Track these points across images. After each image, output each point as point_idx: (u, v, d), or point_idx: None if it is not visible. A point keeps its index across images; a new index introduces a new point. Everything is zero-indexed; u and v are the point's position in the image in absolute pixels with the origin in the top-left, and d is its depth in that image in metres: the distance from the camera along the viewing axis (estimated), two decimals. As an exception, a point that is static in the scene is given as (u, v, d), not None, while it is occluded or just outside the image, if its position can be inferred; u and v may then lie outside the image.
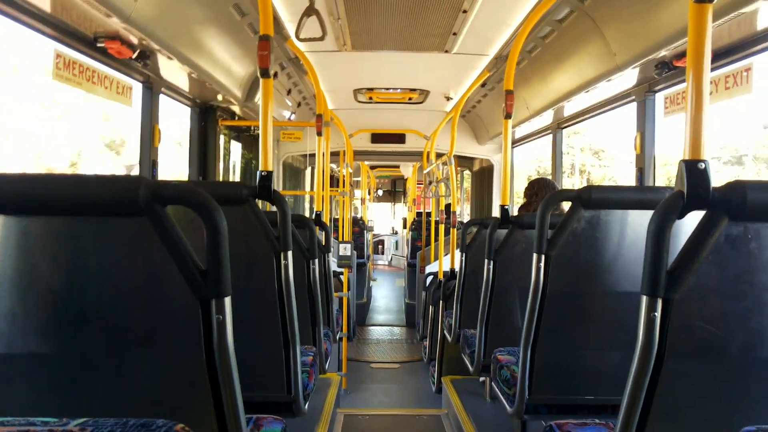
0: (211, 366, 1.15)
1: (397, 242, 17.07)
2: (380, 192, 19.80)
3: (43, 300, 1.16)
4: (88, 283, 1.18)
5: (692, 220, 1.16)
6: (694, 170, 1.16)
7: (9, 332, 1.16)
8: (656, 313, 1.15)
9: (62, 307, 1.17)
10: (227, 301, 1.13)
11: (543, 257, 2.02)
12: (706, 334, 1.19)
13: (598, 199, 1.93)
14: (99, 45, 2.87)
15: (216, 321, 1.12)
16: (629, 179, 3.76)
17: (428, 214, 8.61)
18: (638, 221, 1.96)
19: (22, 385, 1.22)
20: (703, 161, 1.17)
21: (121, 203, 1.08)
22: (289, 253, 2.00)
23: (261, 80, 2.16)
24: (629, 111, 3.83)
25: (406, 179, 15.96)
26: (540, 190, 3.87)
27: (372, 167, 13.92)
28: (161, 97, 3.70)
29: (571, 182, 31.05)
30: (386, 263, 17.31)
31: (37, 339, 1.18)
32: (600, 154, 33.65)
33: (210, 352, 1.14)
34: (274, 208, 2.01)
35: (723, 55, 2.80)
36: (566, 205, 3.32)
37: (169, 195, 1.09)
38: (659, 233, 1.13)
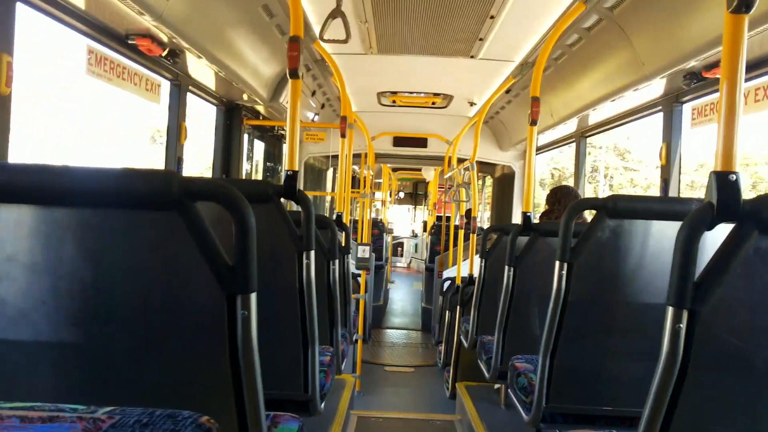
0: (235, 361, 1.15)
1: (416, 245, 17.05)
2: (401, 194, 19.78)
3: (71, 290, 1.18)
4: (116, 275, 1.20)
5: (717, 233, 1.15)
6: (724, 182, 1.15)
7: (38, 320, 1.18)
8: (682, 325, 1.13)
9: (90, 297, 1.19)
10: (253, 297, 1.14)
11: (566, 265, 2.00)
12: (731, 347, 1.18)
13: (623, 208, 1.92)
14: (130, 42, 2.93)
15: (241, 317, 1.13)
16: (657, 186, 3.71)
17: (448, 219, 8.59)
18: (663, 232, 1.94)
19: (50, 372, 1.24)
20: (734, 173, 1.16)
21: (154, 197, 1.09)
22: (312, 253, 2.02)
23: (290, 81, 2.18)
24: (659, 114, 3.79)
25: (428, 183, 15.95)
26: (563, 198, 3.84)
27: (394, 170, 13.93)
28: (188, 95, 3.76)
29: (592, 187, 29.98)
30: (405, 266, 17.29)
31: (65, 328, 1.20)
32: (626, 155, 31.34)
33: (234, 347, 1.15)
34: (298, 208, 2.02)
35: (754, 66, 2.76)
36: (587, 214, 3.30)
37: (200, 190, 1.10)
38: (688, 245, 1.12)
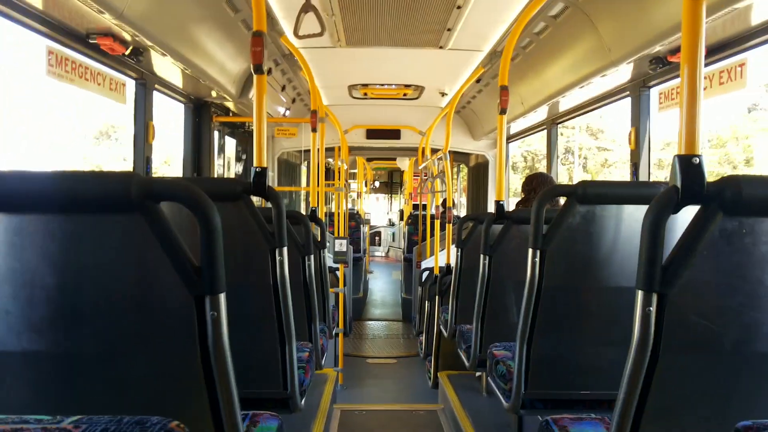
0: (206, 363, 1.14)
1: (393, 234, 17.08)
2: (377, 184, 19.77)
3: (36, 297, 1.15)
4: (82, 281, 1.17)
5: (686, 215, 1.17)
6: (688, 165, 1.16)
7: (2, 330, 1.15)
8: (651, 308, 1.15)
9: (55, 304, 1.17)
10: (222, 297, 1.12)
11: (538, 252, 2.02)
12: (701, 329, 1.20)
13: (593, 194, 1.94)
14: (91, 41, 2.86)
15: (210, 318, 1.11)
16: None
17: (425, 208, 8.61)
18: (633, 216, 1.96)
19: (16, 382, 1.21)
20: (698, 156, 1.17)
21: (113, 199, 1.07)
22: (284, 250, 2.00)
23: (254, 76, 2.15)
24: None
25: (403, 171, 15.96)
26: (538, 186, 3.88)
27: (368, 160, 13.91)
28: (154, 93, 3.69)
29: (565, 169, 29.51)
30: (383, 255, 17.31)
31: (30, 336, 1.17)
32: (598, 135, 30.64)
33: (205, 348, 1.13)
34: (270, 205, 2.00)
35: (717, 50, 2.80)
36: (562, 200, 3.33)
37: (162, 191, 1.08)
38: (654, 228, 1.13)
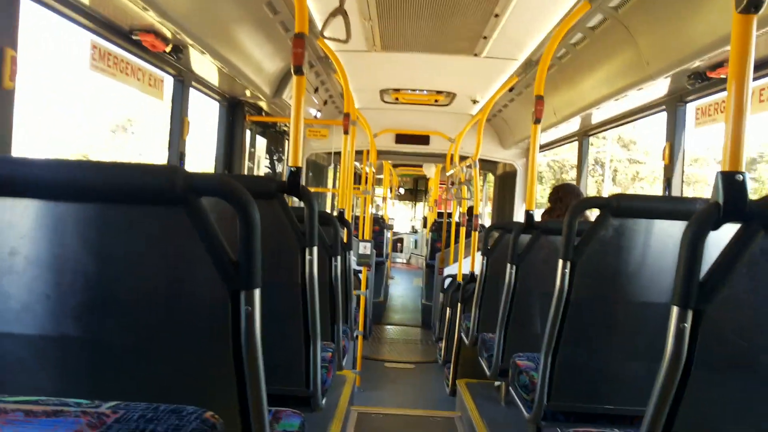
0: (238, 357, 1.15)
1: (416, 241, 17.03)
2: (402, 190, 19.75)
3: (76, 284, 1.18)
4: (120, 270, 1.20)
5: (721, 232, 1.15)
6: (731, 182, 1.15)
7: (42, 314, 1.18)
8: (686, 324, 1.13)
9: (94, 292, 1.19)
10: (257, 292, 1.14)
11: (569, 263, 2.01)
12: (736, 347, 1.18)
13: (626, 207, 1.92)
14: (134, 38, 2.93)
15: (245, 312, 1.13)
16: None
17: (449, 215, 8.58)
18: (666, 231, 1.94)
19: (54, 367, 1.24)
20: (741, 173, 1.16)
21: (159, 192, 1.09)
22: (315, 249, 2.02)
23: (294, 77, 2.18)
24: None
25: (428, 179, 15.92)
26: (565, 196, 3.84)
27: (395, 165, 13.92)
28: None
29: (593, 181, 28.20)
30: (404, 261, 17.29)
31: (68, 322, 1.20)
32: (630, 146, 29.09)
33: (237, 343, 1.15)
34: (301, 204, 2.03)
35: (760, 66, 2.75)
36: (588, 212, 3.30)
37: (205, 185, 1.10)
38: (693, 244, 1.12)
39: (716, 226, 1.13)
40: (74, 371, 1.25)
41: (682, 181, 3.63)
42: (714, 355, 1.17)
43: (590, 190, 26.01)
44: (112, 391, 1.21)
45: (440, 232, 9.07)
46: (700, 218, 1.13)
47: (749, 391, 1.21)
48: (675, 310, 1.14)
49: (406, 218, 21.09)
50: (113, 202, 1.15)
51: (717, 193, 1.15)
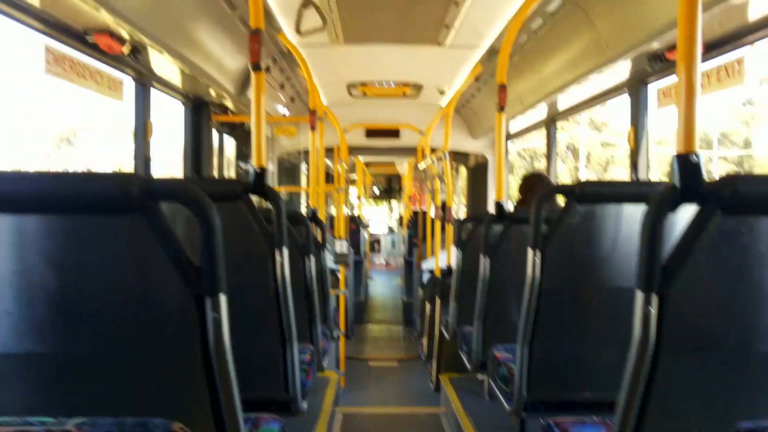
0: (208, 364, 1.13)
1: (393, 241, 17.04)
2: (376, 190, 19.75)
3: (37, 299, 1.15)
4: (82, 282, 1.17)
5: (687, 214, 1.16)
6: (686, 163, 1.15)
7: (3, 331, 1.15)
8: (651, 308, 1.14)
9: (56, 305, 1.16)
10: (223, 298, 1.11)
11: (538, 252, 2.01)
12: (702, 329, 1.19)
13: (592, 193, 1.93)
14: (89, 40, 2.85)
15: (212, 318, 1.11)
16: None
17: (425, 213, 8.60)
18: (633, 216, 1.96)
19: (18, 384, 1.21)
20: (696, 154, 1.16)
21: (113, 200, 1.06)
22: (285, 250, 1.99)
23: (252, 74, 2.15)
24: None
25: (402, 176, 15.93)
26: (535, 186, 3.86)
27: (367, 164, 13.91)
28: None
29: (566, 168, 27.67)
30: (383, 262, 17.30)
31: (31, 338, 1.17)
32: (602, 128, 27.92)
33: (206, 350, 1.13)
34: (270, 205, 2.00)
35: (715, 46, 2.79)
36: (561, 201, 3.32)
37: (162, 191, 1.07)
38: (653, 228, 1.12)
39: (674, 208, 1.14)
40: (39, 388, 1.22)
41: (648, 164, 3.67)
42: (681, 337, 1.18)
43: (565, 178, 26.08)
44: (79, 407, 1.17)
45: (416, 228, 9.09)
46: (658, 201, 1.14)
47: (717, 372, 1.23)
48: (640, 294, 1.15)
49: (382, 220, 21.09)
50: (69, 213, 1.12)
51: (673, 175, 1.15)
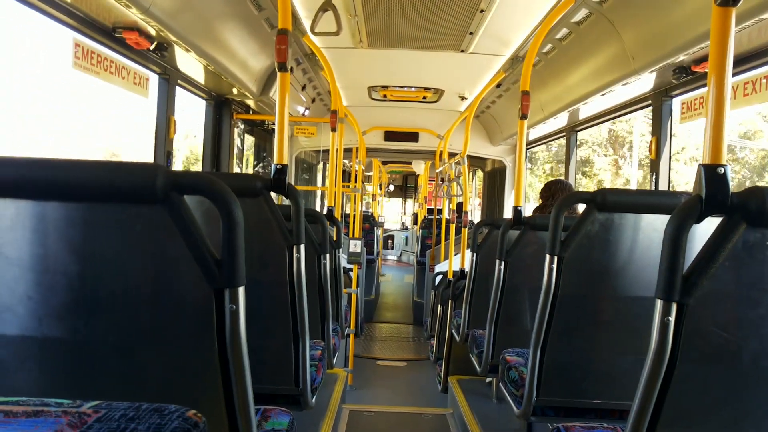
0: (223, 356, 1.15)
1: (406, 238, 17.04)
2: (391, 187, 19.73)
3: (57, 285, 1.17)
4: (103, 270, 1.19)
5: (707, 226, 1.15)
6: (713, 175, 1.15)
7: (24, 315, 1.17)
8: (670, 318, 1.14)
9: (76, 292, 1.18)
10: (241, 291, 1.13)
11: (555, 259, 2.01)
12: (719, 340, 1.18)
13: (612, 202, 1.92)
14: (117, 35, 2.90)
15: (229, 311, 1.12)
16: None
17: (439, 212, 8.59)
18: (652, 225, 1.95)
19: (35, 367, 1.23)
20: (723, 166, 1.16)
21: (139, 190, 1.08)
22: (302, 247, 2.01)
23: (278, 74, 2.17)
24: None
25: (418, 176, 15.92)
26: (557, 192, 3.86)
27: (384, 162, 13.92)
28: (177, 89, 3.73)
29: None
30: (395, 258, 17.29)
31: (50, 323, 1.19)
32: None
33: (222, 341, 1.14)
34: (288, 202, 2.02)
35: (743, 61, 2.77)
36: (581, 208, 3.31)
37: (187, 184, 1.09)
38: (676, 237, 1.12)
39: (699, 220, 1.14)
40: (56, 372, 1.24)
41: (669, 175, 3.65)
42: (698, 348, 1.17)
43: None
44: (95, 392, 1.20)
45: (430, 229, 9.09)
46: (682, 212, 1.14)
47: (733, 384, 1.22)
48: (659, 303, 1.15)
49: (395, 214, 21.02)
50: (95, 201, 1.14)
51: (699, 186, 1.15)
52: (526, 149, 6.83)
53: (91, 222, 1.16)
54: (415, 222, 14.71)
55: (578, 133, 5.38)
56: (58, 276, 1.16)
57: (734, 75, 2.76)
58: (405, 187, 20.54)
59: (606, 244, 1.99)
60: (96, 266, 1.19)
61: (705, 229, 1.15)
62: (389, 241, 17.33)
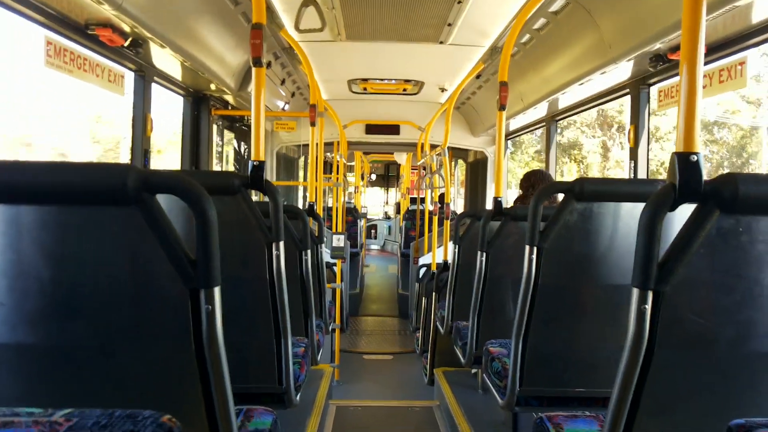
0: (201, 357, 1.14)
1: (390, 227, 17.04)
2: (373, 176, 19.67)
3: (30, 289, 1.15)
4: (77, 273, 1.17)
5: (684, 212, 1.16)
6: (686, 162, 1.15)
7: None
8: (647, 306, 1.15)
9: (50, 297, 1.16)
10: (217, 291, 1.12)
11: (535, 249, 2.02)
12: (696, 327, 1.20)
13: (590, 191, 1.93)
14: (90, 33, 2.84)
15: (205, 311, 1.11)
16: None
17: (422, 201, 8.59)
18: (631, 214, 1.96)
19: (9, 375, 1.21)
20: (696, 153, 1.17)
21: (110, 192, 1.06)
22: (281, 244, 2.00)
23: (253, 69, 2.15)
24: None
25: (400, 165, 15.90)
26: (536, 183, 3.87)
27: (366, 153, 13.88)
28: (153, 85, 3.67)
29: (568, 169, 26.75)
30: (379, 248, 17.29)
31: (24, 329, 1.17)
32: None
33: (199, 342, 1.13)
34: (267, 199, 2.00)
35: (717, 48, 2.80)
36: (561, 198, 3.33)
37: (158, 183, 1.07)
38: (650, 225, 1.13)
39: (673, 207, 1.14)
40: (32, 378, 1.22)
41: (648, 163, 3.68)
42: (675, 335, 1.18)
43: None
44: (71, 398, 1.18)
45: (414, 221, 9.10)
46: (655, 199, 1.14)
47: (710, 369, 1.24)
48: (635, 291, 1.16)
49: (378, 203, 20.95)
50: (66, 204, 1.12)
51: (673, 173, 1.16)
52: (507, 139, 6.86)
53: (65, 225, 1.14)
54: (398, 211, 14.69)
55: (558, 121, 5.41)
56: (31, 280, 1.14)
57: (709, 62, 2.80)
58: (387, 177, 20.49)
59: (585, 234, 2.01)
60: (70, 269, 1.17)
61: (682, 216, 1.16)
62: (372, 231, 17.29)
